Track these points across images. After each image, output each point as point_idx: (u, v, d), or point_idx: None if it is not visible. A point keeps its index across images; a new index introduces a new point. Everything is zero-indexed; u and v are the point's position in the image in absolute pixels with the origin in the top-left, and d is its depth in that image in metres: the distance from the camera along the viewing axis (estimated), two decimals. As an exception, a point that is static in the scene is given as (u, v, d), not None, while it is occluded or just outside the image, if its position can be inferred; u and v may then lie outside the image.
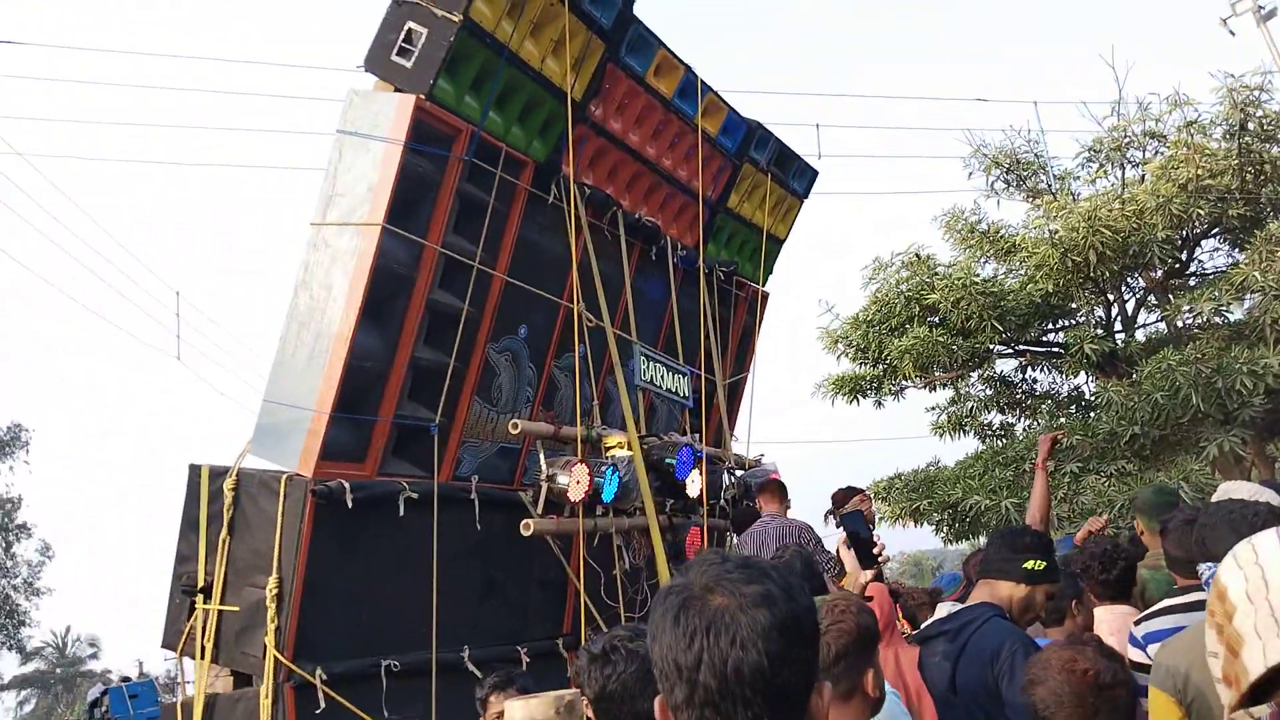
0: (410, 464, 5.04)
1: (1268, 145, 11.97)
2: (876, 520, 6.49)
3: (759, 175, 7.54)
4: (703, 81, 6.68)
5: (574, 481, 5.03)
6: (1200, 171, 11.61)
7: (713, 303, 7.30)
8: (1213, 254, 13.34)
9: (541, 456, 5.35)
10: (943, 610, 3.08)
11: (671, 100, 6.48)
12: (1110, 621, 3.87)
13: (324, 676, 4.41)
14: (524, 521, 5.14)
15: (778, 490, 5.59)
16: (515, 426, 5.23)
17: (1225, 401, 10.23)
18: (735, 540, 5.61)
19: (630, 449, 5.42)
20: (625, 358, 6.05)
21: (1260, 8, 20.64)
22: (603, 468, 5.18)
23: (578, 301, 5.66)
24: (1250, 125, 11.87)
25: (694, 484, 5.77)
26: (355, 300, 4.60)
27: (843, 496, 6.00)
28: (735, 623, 1.03)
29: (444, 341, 5.07)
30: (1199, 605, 2.83)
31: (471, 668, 5.01)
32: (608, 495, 5.13)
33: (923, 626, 3.17)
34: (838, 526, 5.93)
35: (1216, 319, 11.87)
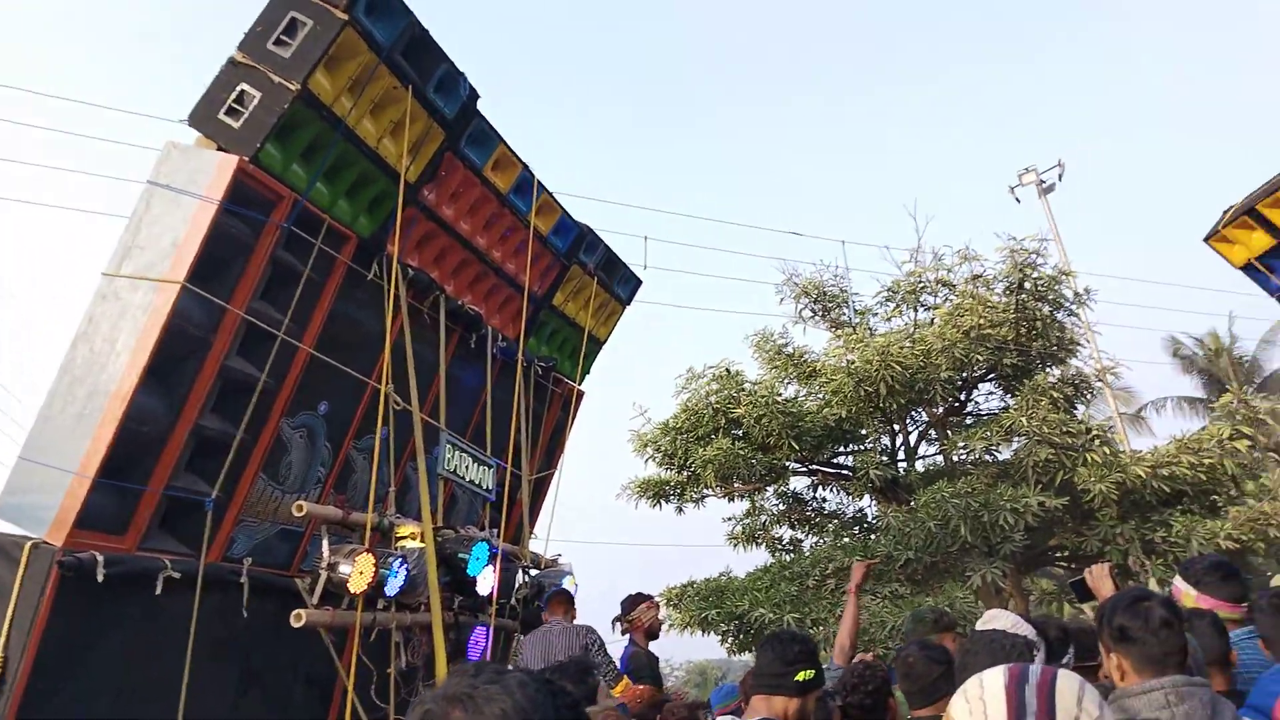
0: (177, 540, 4.65)
1: (1040, 304, 13.42)
2: (663, 628, 6.52)
3: (585, 278, 7.70)
4: (539, 181, 6.82)
5: (356, 571, 4.78)
6: (982, 321, 12.84)
7: (528, 396, 7.29)
8: (987, 397, 14.70)
9: (325, 542, 5.07)
10: None
11: (507, 195, 6.56)
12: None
13: (55, 769, 3.92)
14: (295, 612, 4.82)
15: (564, 599, 5.56)
16: (300, 508, 4.94)
17: (990, 535, 11.13)
18: (518, 641, 5.50)
19: (423, 540, 5.24)
20: (430, 444, 5.91)
21: (1042, 181, 23.45)
22: (390, 558, 4.96)
23: (386, 382, 5.50)
24: (1027, 284, 13.30)
25: (485, 581, 5.62)
26: (140, 359, 4.28)
27: (631, 603, 6.03)
28: None
29: (234, 411, 4.78)
30: None
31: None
32: (391, 589, 4.91)
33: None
34: (623, 633, 5.95)
35: (987, 457, 12.99)
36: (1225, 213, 7.54)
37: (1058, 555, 13.40)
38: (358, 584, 4.76)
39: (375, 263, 5.66)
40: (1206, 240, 7.68)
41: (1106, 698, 2.25)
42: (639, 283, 8.48)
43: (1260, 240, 7.27)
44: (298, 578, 5.18)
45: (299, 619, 4.78)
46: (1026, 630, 3.14)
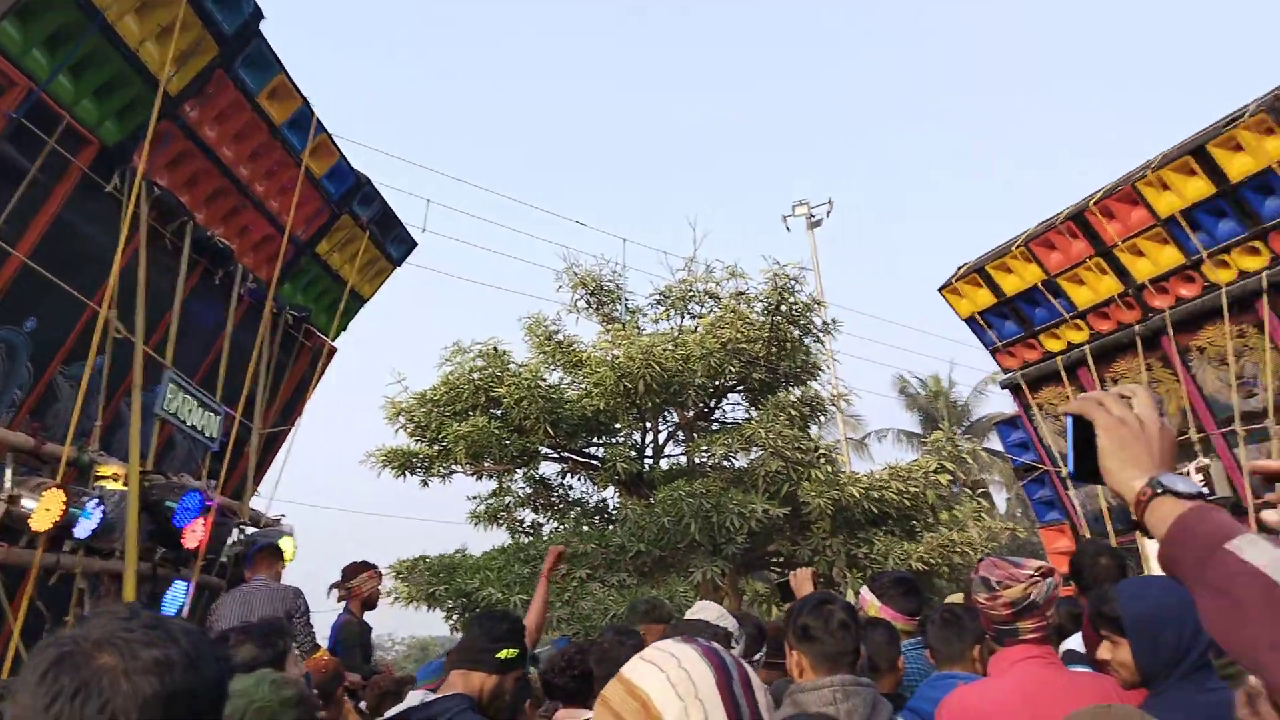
0: None
1: (792, 327, 14.33)
2: (390, 601, 6.37)
3: (356, 230, 7.38)
4: (319, 120, 6.47)
5: (42, 507, 4.31)
6: (739, 335, 13.54)
7: (273, 345, 6.88)
8: (734, 407, 15.52)
9: (9, 472, 4.53)
10: (414, 698, 3.08)
11: (280, 128, 6.17)
12: (571, 725, 4.15)
13: None
14: (-36, 545, 4.29)
15: (270, 555, 5.27)
16: (-16, 431, 4.40)
17: (716, 535, 11.76)
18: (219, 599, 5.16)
19: (127, 483, 4.80)
20: (151, 381, 5.44)
21: (811, 215, 25.08)
22: (84, 498, 4.51)
23: (109, 306, 5.00)
24: (783, 308, 14.15)
25: (193, 534, 5.23)
26: None
27: (352, 570, 5.85)
28: (114, 688, 0.91)
29: (-83, 314, 4.19)
30: None
31: None
32: (82, 530, 4.46)
33: (387, 715, 3.14)
34: (340, 601, 5.76)
35: (725, 463, 13.72)
36: (959, 268, 8.42)
37: (774, 560, 14.37)
38: (42, 521, 4.29)
39: (117, 175, 5.15)
40: (940, 290, 8.55)
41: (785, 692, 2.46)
42: (414, 245, 8.25)
43: (984, 297, 8.17)
44: (-30, 508, 4.60)
45: (-36, 553, 4.26)
46: (730, 624, 3.35)
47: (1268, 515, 1.27)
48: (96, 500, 4.50)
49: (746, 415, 14.85)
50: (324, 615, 5.63)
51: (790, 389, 14.36)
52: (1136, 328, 7.22)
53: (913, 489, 13.26)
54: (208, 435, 5.89)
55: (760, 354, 13.92)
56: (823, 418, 16.20)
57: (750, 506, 11.86)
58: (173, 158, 5.68)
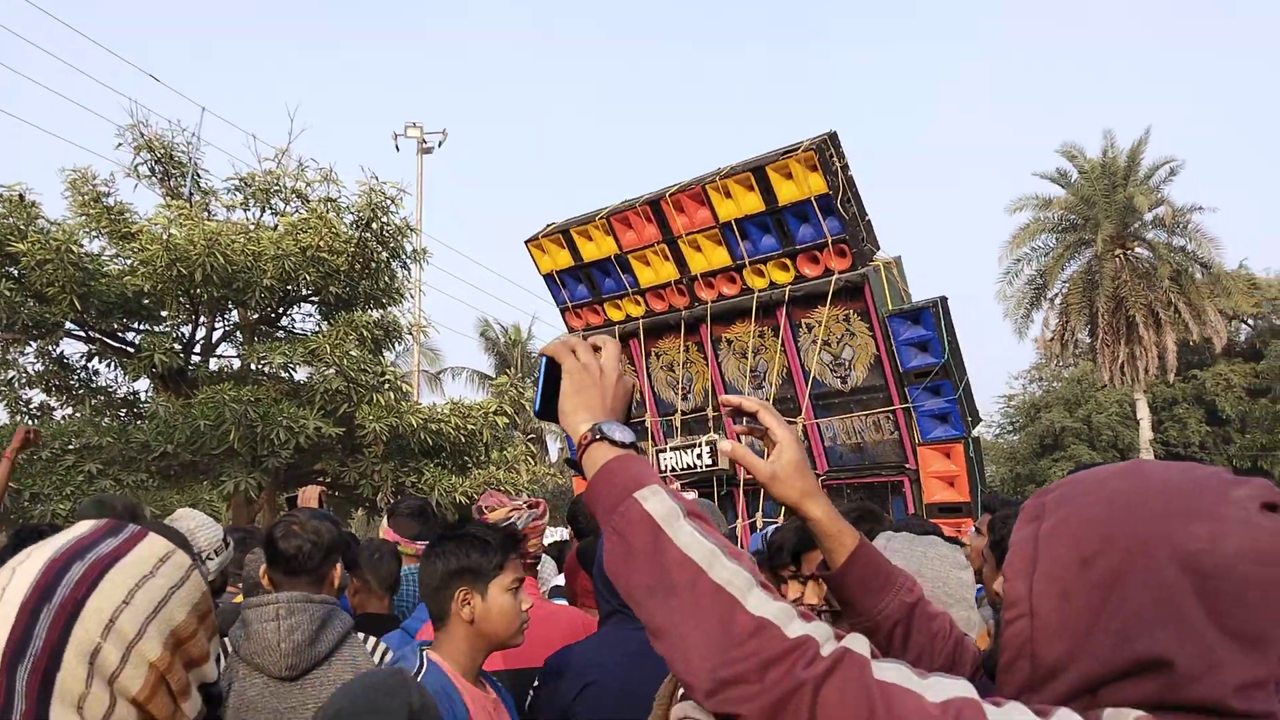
0: None
1: (381, 247, 13.92)
2: None
3: None
4: None
5: None
6: (322, 244, 12.84)
7: None
8: (305, 318, 14.75)
9: None
10: None
11: None
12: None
13: None
14: None
15: None
16: None
17: (258, 446, 11.12)
18: None
19: None
20: None
21: (424, 141, 24.55)
22: None
23: None
24: (374, 225, 13.68)
25: None
26: None
27: None
28: None
29: None
30: None
31: None
32: None
33: None
34: None
35: (283, 373, 13.01)
36: (547, 226, 8.76)
37: (319, 479, 13.99)
38: None
39: None
40: (526, 243, 8.84)
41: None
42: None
43: (564, 258, 8.59)
44: None
45: None
46: (213, 531, 3.15)
47: (722, 445, 1.46)
48: None
49: (316, 328, 14.20)
50: None
51: (369, 310, 13.98)
52: (683, 313, 8.10)
53: (471, 426, 13.64)
54: None
55: (342, 268, 13.35)
56: (400, 345, 16.03)
57: (302, 422, 11.39)
58: None
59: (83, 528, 1.02)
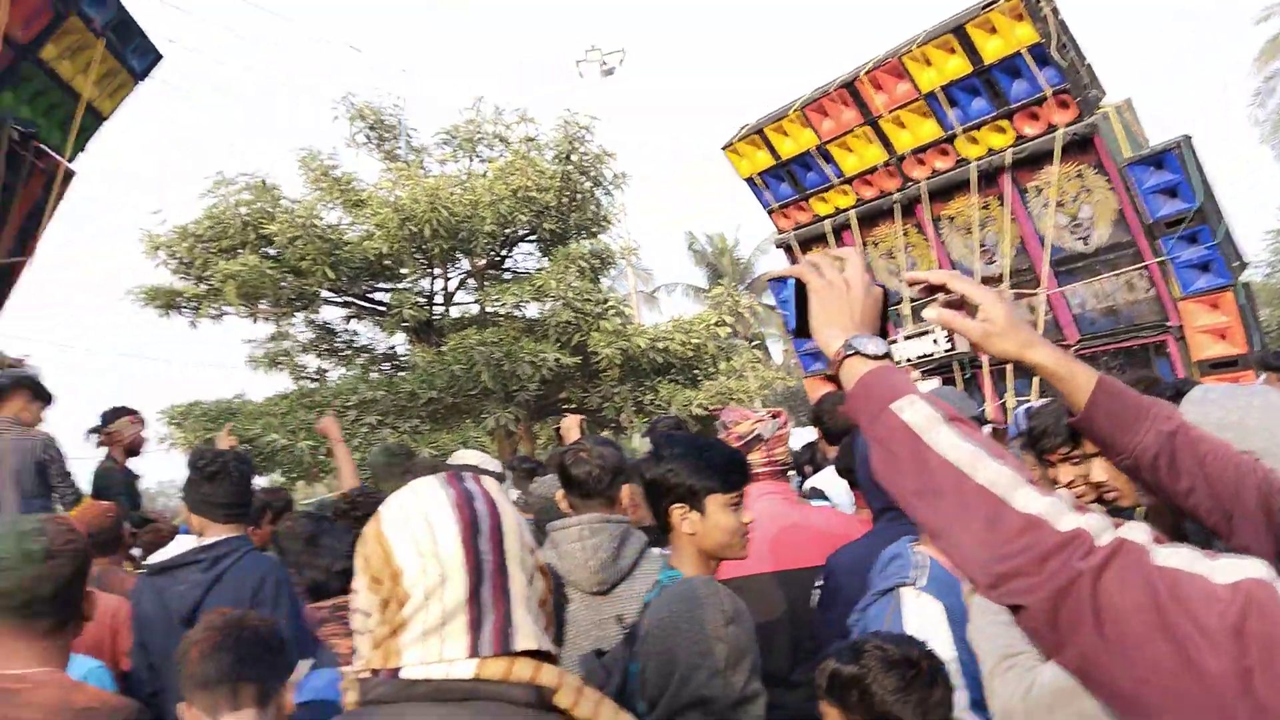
0: None
1: (583, 178, 14.26)
2: (164, 447, 6.07)
3: (89, 35, 6.50)
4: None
5: None
6: (529, 183, 13.33)
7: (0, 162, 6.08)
8: (525, 257, 15.46)
9: None
10: (187, 541, 3.03)
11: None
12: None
13: None
14: None
15: (27, 393, 4.84)
16: None
17: (508, 383, 11.91)
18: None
19: None
20: None
21: (604, 64, 24.61)
22: None
23: None
24: (574, 157, 14.01)
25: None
26: None
27: (112, 415, 5.51)
28: None
29: None
30: None
31: None
32: None
33: (158, 555, 3.07)
34: (99, 445, 5.44)
35: (516, 312, 13.77)
36: (741, 129, 8.60)
37: (565, 406, 14.79)
38: None
39: None
40: (723, 149, 8.73)
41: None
42: (159, 57, 7.38)
43: (763, 159, 8.41)
44: None
45: None
46: (494, 466, 3.46)
47: (926, 313, 1.43)
48: None
49: (538, 265, 14.84)
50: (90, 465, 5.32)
51: (581, 241, 14.43)
52: (896, 195, 7.72)
53: (695, 340, 13.87)
54: (-81, 265, 5.21)
55: (551, 204, 13.82)
56: (613, 270, 16.47)
57: (542, 355, 12.04)
58: None
59: (436, 479, 1.15)
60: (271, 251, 12.40)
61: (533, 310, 13.98)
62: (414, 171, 13.22)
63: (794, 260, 8.82)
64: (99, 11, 6.46)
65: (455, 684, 1.01)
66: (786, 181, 8.47)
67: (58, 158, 6.95)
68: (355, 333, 14.65)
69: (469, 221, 12.68)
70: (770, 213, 8.83)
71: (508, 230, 14.06)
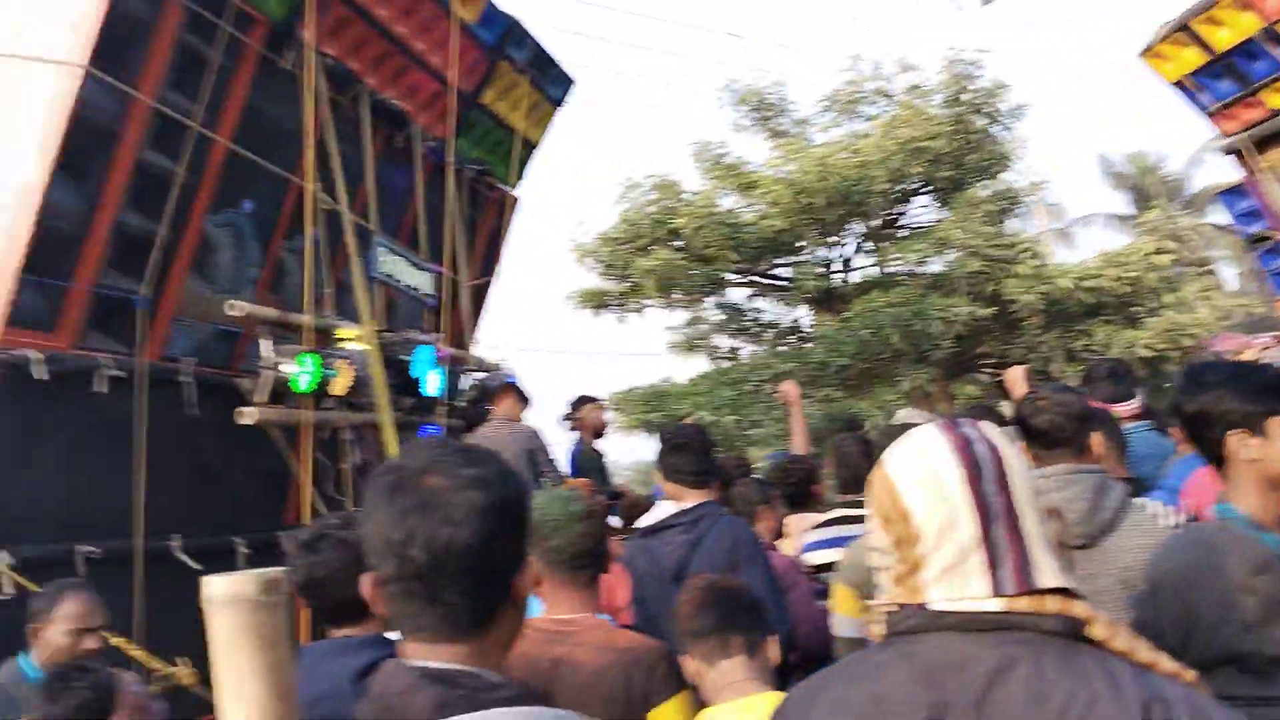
0: (112, 339, 4.54)
1: (976, 117, 13.34)
2: (608, 429, 6.72)
3: (516, 75, 7.35)
4: (464, -34, 6.36)
5: (302, 371, 4.76)
6: (919, 133, 12.75)
7: (462, 200, 7.10)
8: (923, 210, 14.83)
9: (267, 343, 5.00)
10: (668, 507, 3.29)
11: (427, -21, 6.13)
12: (798, 527, 4.31)
13: (11, 561, 3.96)
14: (241, 409, 4.82)
15: (514, 394, 5.60)
16: (233, 307, 4.84)
17: (920, 342, 11.52)
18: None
19: (364, 342, 5.20)
20: (363, 247, 5.77)
21: (983, -9, 22.81)
22: (333, 359, 4.93)
23: (310, 179, 5.27)
24: (964, 96, 13.15)
25: (432, 382, 5.66)
26: (50, 149, 4.01)
27: (578, 403, 6.18)
28: (449, 502, 1.05)
29: (154, 207, 4.55)
30: (856, 519, 3.29)
31: (183, 558, 4.70)
32: (338, 388, 4.91)
33: (645, 520, 3.36)
34: (569, 430, 6.13)
35: (920, 269, 13.26)
36: (1161, 29, 7.46)
37: (984, 362, 13.97)
38: (303, 383, 4.75)
39: (289, 50, 5.31)
40: (1142, 55, 7.64)
41: None
42: (572, 83, 8.14)
43: (1193, 57, 7.26)
44: (238, 377, 5.14)
45: (249, 416, 4.79)
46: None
47: None
48: (344, 359, 4.91)
49: (937, 218, 14.19)
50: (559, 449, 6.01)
51: (981, 184, 13.51)
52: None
53: (1130, 274, 12.38)
54: (423, 292, 6.24)
55: (945, 150, 13.09)
56: (1020, 210, 15.22)
57: (953, 310, 11.49)
58: (334, 26, 5.74)
59: (934, 426, 1.18)
60: (679, 244, 13.18)
61: (937, 265, 13.38)
62: (799, 144, 13.27)
63: (1250, 166, 7.48)
64: (520, 52, 7.27)
65: (984, 615, 1.04)
66: (1227, 77, 7.22)
67: (505, 188, 7.97)
68: (761, 310, 15.09)
69: (860, 183, 12.44)
70: (1210, 116, 7.59)
71: (900, 186, 13.59)
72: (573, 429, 6.02)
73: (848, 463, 3.71)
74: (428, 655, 1.06)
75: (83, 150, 4.20)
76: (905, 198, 14.24)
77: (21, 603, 3.95)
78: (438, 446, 1.13)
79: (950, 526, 1.07)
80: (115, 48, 4.24)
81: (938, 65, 13.29)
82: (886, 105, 14.04)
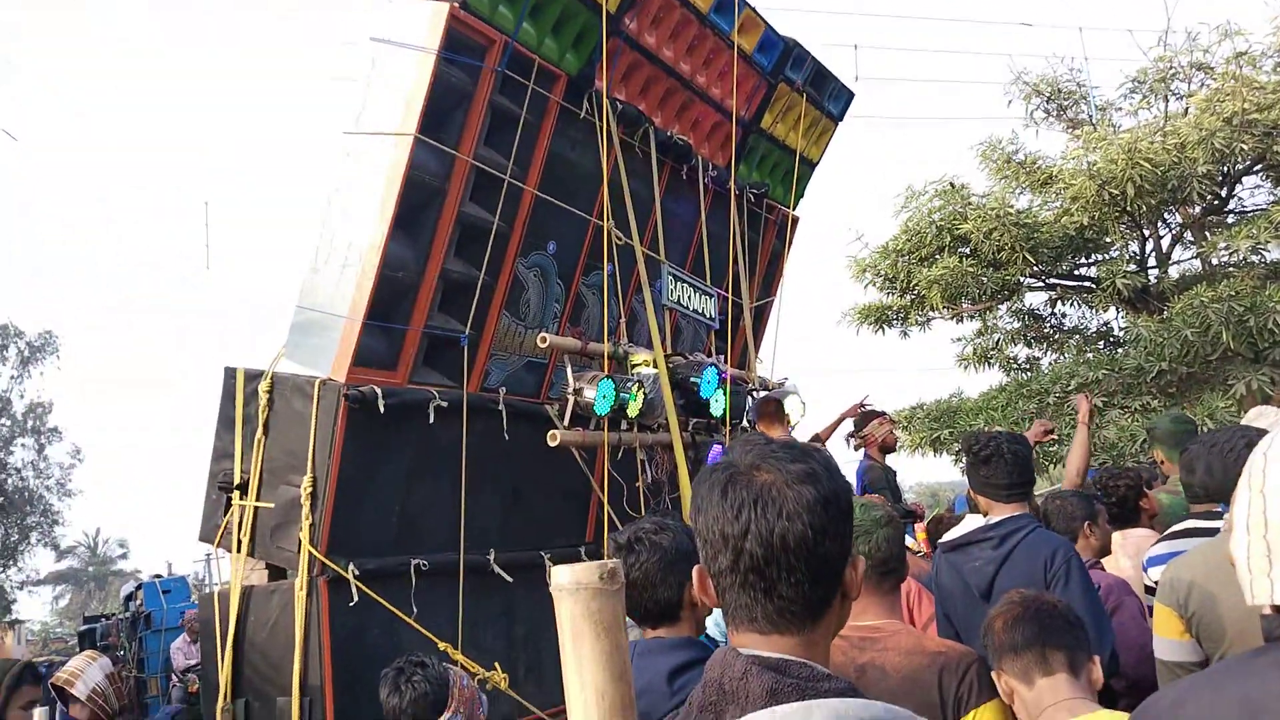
0: (440, 374, 5.13)
1: (1319, 78, 11.60)
2: (897, 447, 6.55)
3: (794, 96, 7.41)
4: (738, -5, 6.54)
5: (600, 395, 5.11)
6: (1247, 105, 11.29)
7: (742, 225, 7.26)
8: (1254, 191, 13.07)
9: (568, 371, 5.43)
10: (974, 521, 3.18)
11: (707, 15, 6.35)
12: (1125, 545, 3.96)
13: (356, 572, 4.58)
14: (550, 433, 5.24)
15: (774, 410, 5.60)
16: (544, 340, 5.30)
17: (1256, 340, 10.15)
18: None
19: (655, 366, 5.48)
20: (653, 277, 6.07)
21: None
22: (628, 384, 5.24)
23: (607, 219, 5.65)
24: (1304, 56, 11.49)
25: (718, 403, 5.83)
26: (388, 210, 4.64)
27: (864, 419, 6.08)
28: (782, 496, 1.09)
29: (474, 255, 5.11)
30: (1209, 531, 2.92)
31: (497, 570, 5.19)
32: (632, 410, 5.22)
33: (951, 535, 3.26)
34: (856, 449, 6.04)
35: (1253, 257, 11.69)
36: None
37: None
38: (602, 406, 5.09)
39: (585, 99, 5.72)
40: None
41: None
42: (851, 96, 8.07)
43: None
44: (547, 404, 5.61)
45: (554, 439, 5.20)
46: (1286, 423, 2.90)
47: None
48: (637, 384, 5.21)
49: (1272, 198, 12.43)
50: (845, 467, 5.96)
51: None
52: None
53: None
54: (708, 316, 6.46)
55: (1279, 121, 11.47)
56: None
57: (1297, 302, 10.01)
58: (624, 71, 6.13)
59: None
60: (966, 250, 12.55)
61: (1276, 251, 11.69)
62: (1103, 132, 12.20)
63: None
64: (798, 72, 7.33)
65: None
66: None
67: (784, 209, 8.05)
68: (1063, 314, 13.98)
69: (1177, 168, 11.19)
70: None
71: (1226, 166, 12.06)
72: (859, 446, 5.93)
73: (1202, 470, 3.36)
74: (760, 645, 1.11)
75: (415, 208, 4.81)
76: (1232, 179, 12.63)
77: (365, 610, 4.57)
78: (764, 444, 1.17)
79: None
80: (439, 115, 4.82)
81: (1267, 28, 11.70)
82: (1205, 79, 12.55)
